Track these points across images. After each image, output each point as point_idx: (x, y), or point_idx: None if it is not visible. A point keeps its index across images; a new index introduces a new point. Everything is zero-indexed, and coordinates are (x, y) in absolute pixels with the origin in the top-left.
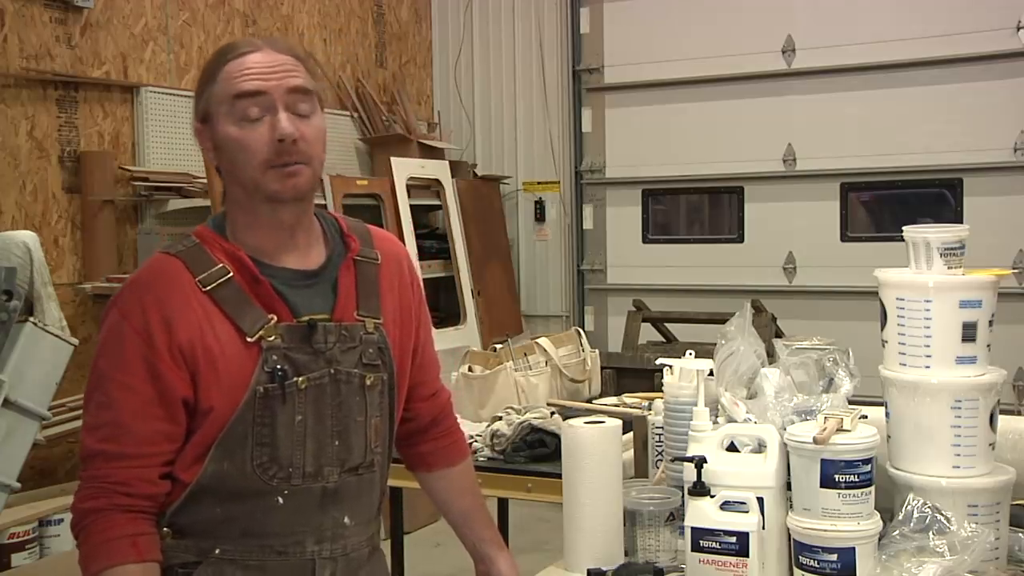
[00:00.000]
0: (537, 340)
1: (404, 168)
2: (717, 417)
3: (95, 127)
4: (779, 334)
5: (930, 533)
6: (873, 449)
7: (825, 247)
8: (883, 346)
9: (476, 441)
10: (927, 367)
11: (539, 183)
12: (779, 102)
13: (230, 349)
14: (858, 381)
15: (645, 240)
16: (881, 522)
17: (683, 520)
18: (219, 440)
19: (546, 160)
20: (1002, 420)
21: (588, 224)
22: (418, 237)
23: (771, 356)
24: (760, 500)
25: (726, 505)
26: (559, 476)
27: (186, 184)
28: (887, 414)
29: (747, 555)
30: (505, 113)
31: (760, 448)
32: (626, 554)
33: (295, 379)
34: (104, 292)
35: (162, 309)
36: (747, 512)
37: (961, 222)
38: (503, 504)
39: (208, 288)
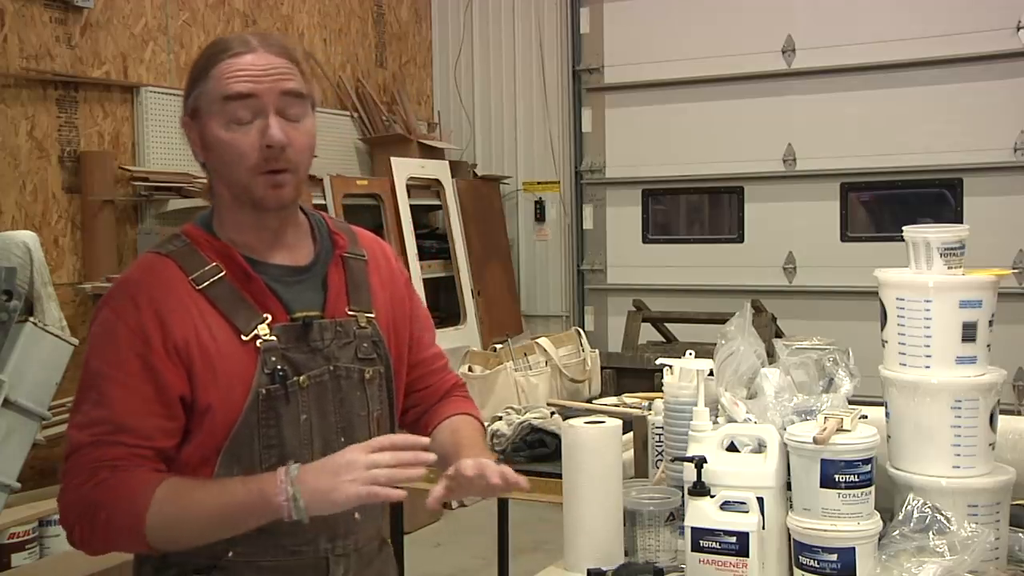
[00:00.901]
0: (537, 340)
1: (404, 168)
2: (717, 417)
3: (95, 127)
4: (779, 334)
5: (930, 533)
6: (873, 449)
7: (825, 247)
8: (883, 346)
9: None
10: (927, 367)
11: (539, 183)
12: (779, 102)
13: (226, 347)
14: (858, 381)
15: (645, 240)
16: (881, 522)
17: (683, 520)
18: (226, 447)
19: (546, 160)
20: (1002, 420)
21: (588, 224)
22: (418, 237)
23: (771, 356)
24: (760, 500)
25: (726, 505)
26: (559, 476)
27: (186, 184)
28: (887, 414)
29: (747, 555)
30: (505, 113)
31: (760, 448)
32: (626, 554)
33: (296, 378)
34: (104, 292)
35: (156, 307)
36: (747, 512)
37: (961, 222)
38: (503, 504)
39: (201, 287)
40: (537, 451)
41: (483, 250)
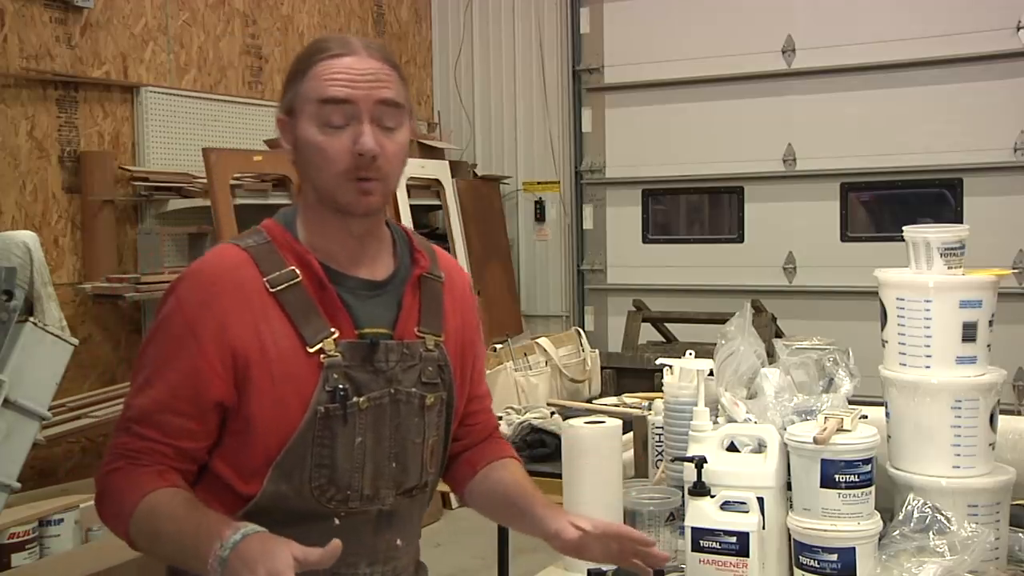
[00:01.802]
0: (537, 340)
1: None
2: (717, 417)
3: (95, 127)
4: (779, 334)
5: (930, 533)
6: (873, 449)
7: (825, 247)
8: (883, 346)
9: None
10: (927, 367)
11: (539, 183)
12: (779, 102)
13: (289, 356)
14: (858, 381)
15: (645, 240)
16: (881, 522)
17: (683, 520)
18: (278, 461)
19: (546, 160)
20: (1002, 420)
21: (588, 224)
22: None
23: (771, 356)
24: (760, 500)
25: (726, 505)
26: (559, 476)
27: (186, 184)
28: (887, 414)
29: (747, 555)
30: (505, 113)
31: (760, 448)
32: None
33: (356, 399)
34: (104, 292)
35: (220, 305)
36: (747, 512)
37: (961, 222)
38: None
39: (275, 290)
40: (537, 451)
41: (483, 250)
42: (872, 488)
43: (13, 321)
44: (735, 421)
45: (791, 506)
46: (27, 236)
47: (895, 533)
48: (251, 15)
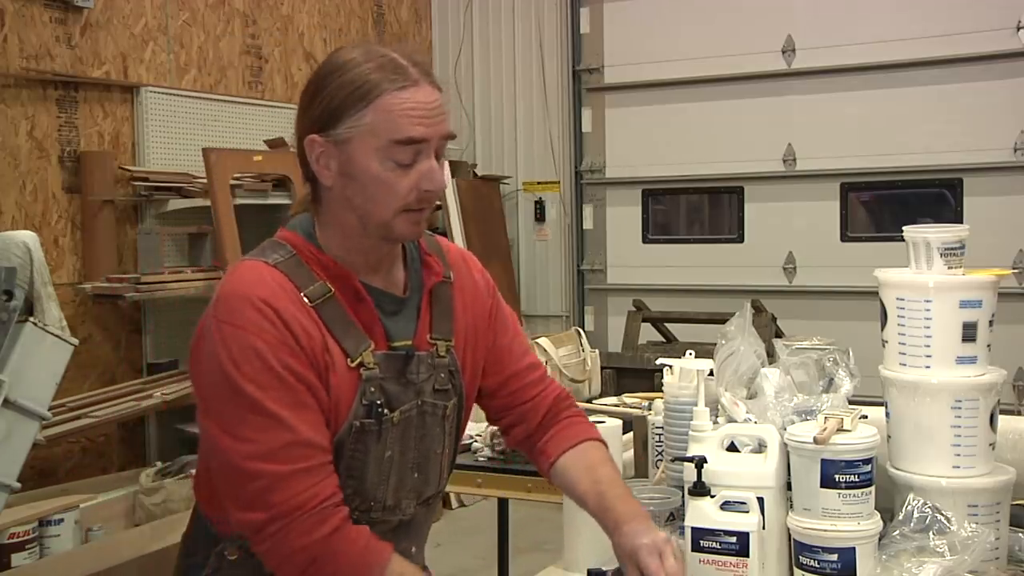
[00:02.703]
0: (537, 340)
1: None
2: (717, 417)
3: (95, 127)
4: (779, 334)
5: (930, 533)
6: (873, 449)
7: (825, 247)
8: (883, 346)
9: (476, 441)
10: (927, 367)
11: (539, 183)
12: (779, 102)
13: (340, 368)
14: (858, 381)
15: (645, 240)
16: (881, 522)
17: (683, 520)
18: None
19: (546, 160)
20: (1002, 420)
21: (588, 224)
22: None
23: (771, 356)
24: (760, 500)
25: (726, 505)
26: None
27: (186, 184)
28: (887, 414)
29: (747, 555)
30: (505, 113)
31: (760, 448)
32: None
33: (390, 414)
34: (104, 292)
35: (281, 316)
36: (747, 512)
37: (961, 222)
38: (503, 504)
39: (314, 303)
40: None
41: (483, 250)
42: (872, 488)
43: (13, 321)
44: (735, 421)
45: (791, 506)
46: (27, 236)
47: (895, 533)
48: (251, 15)
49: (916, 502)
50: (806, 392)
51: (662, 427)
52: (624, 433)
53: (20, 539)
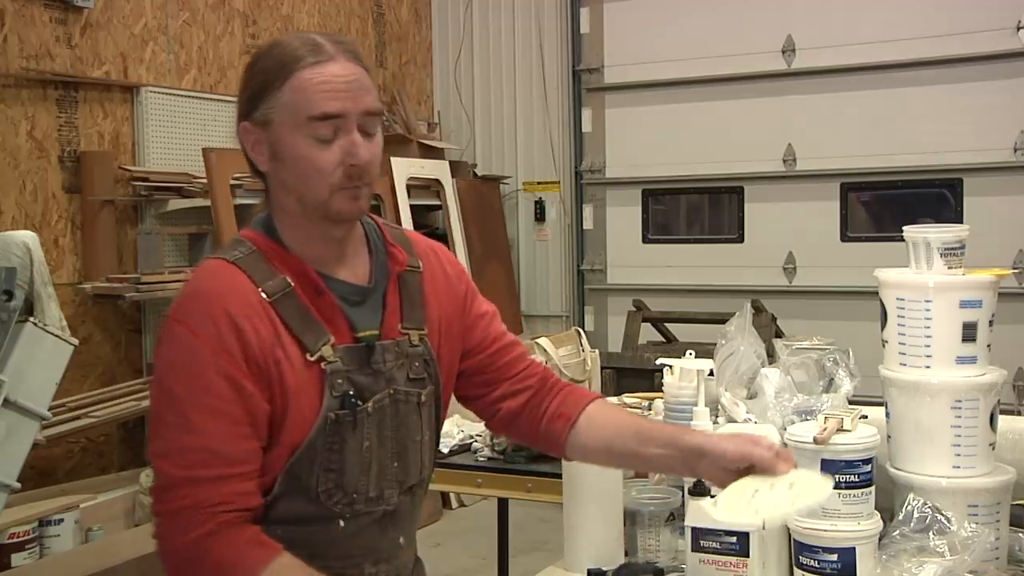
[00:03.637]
0: (537, 340)
1: (404, 168)
2: (717, 417)
3: (95, 127)
4: (779, 334)
5: (930, 533)
6: (873, 449)
7: (825, 247)
8: (883, 346)
9: (476, 441)
10: (927, 367)
11: (539, 183)
12: (779, 102)
13: (296, 364)
14: (858, 381)
15: (645, 240)
16: (881, 522)
17: (683, 520)
18: (287, 467)
19: (546, 160)
20: (1002, 420)
21: (588, 224)
22: None
23: (771, 356)
24: None
25: None
26: (559, 476)
27: (186, 184)
28: (887, 414)
29: (747, 555)
30: (505, 113)
31: None
32: (626, 554)
33: (364, 404)
34: (104, 292)
35: (233, 319)
36: None
37: (961, 222)
38: (503, 504)
39: (272, 299)
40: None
41: (483, 250)
42: (872, 488)
43: (13, 321)
44: (735, 421)
45: None
46: (27, 236)
47: (895, 533)
48: (251, 15)
49: (916, 502)
50: (806, 392)
51: None
52: None
53: (20, 539)
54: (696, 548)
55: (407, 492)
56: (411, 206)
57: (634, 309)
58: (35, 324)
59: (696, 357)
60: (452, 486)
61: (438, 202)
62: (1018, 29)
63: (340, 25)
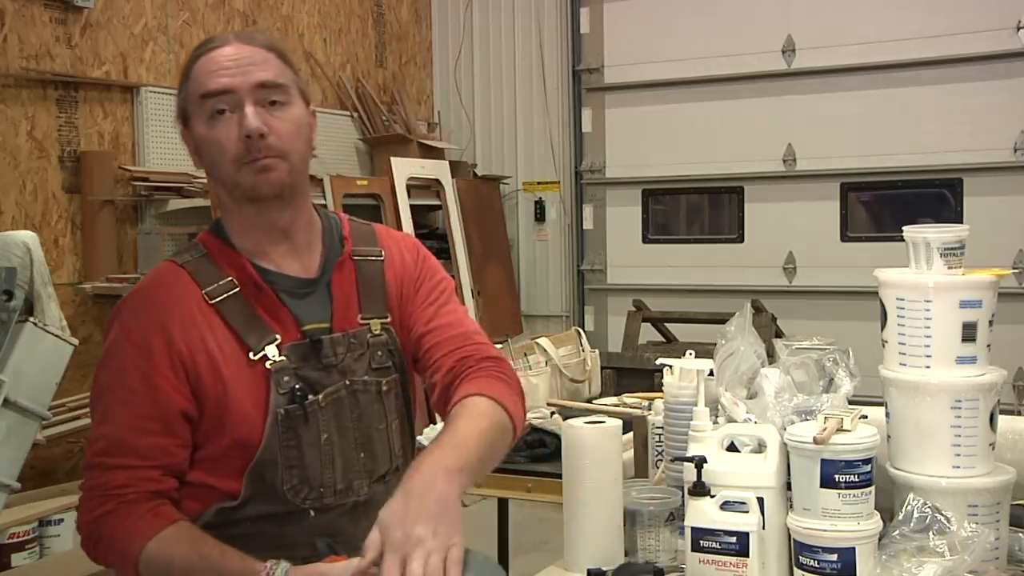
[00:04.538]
0: (537, 340)
1: (404, 168)
2: (717, 417)
3: (95, 127)
4: (779, 334)
5: (930, 533)
6: (873, 449)
7: (825, 247)
8: (883, 346)
9: None
10: (927, 367)
11: (539, 183)
12: (779, 102)
13: (236, 364)
14: (858, 381)
15: (645, 240)
16: (881, 522)
17: (683, 520)
18: (249, 470)
19: (546, 160)
20: (1002, 420)
21: (588, 224)
22: (418, 237)
23: (771, 356)
24: (760, 500)
25: (726, 505)
26: (559, 476)
27: (186, 184)
28: (887, 414)
29: (747, 555)
30: (505, 113)
31: (760, 448)
32: (626, 554)
33: (315, 397)
34: (104, 292)
35: (163, 322)
36: (747, 512)
37: (961, 222)
38: (503, 504)
39: (214, 301)
40: (537, 451)
41: (483, 250)
42: (872, 488)
43: (13, 321)
44: (735, 421)
45: (791, 506)
46: (27, 236)
47: (895, 533)
48: (251, 15)
49: (916, 502)
50: (806, 392)
51: (662, 427)
52: (624, 433)
53: (20, 539)
54: (696, 548)
55: (379, 481)
56: (411, 206)
57: (634, 309)
58: (35, 324)
59: (696, 357)
60: None
61: (438, 202)
62: (1018, 29)
63: (340, 25)
